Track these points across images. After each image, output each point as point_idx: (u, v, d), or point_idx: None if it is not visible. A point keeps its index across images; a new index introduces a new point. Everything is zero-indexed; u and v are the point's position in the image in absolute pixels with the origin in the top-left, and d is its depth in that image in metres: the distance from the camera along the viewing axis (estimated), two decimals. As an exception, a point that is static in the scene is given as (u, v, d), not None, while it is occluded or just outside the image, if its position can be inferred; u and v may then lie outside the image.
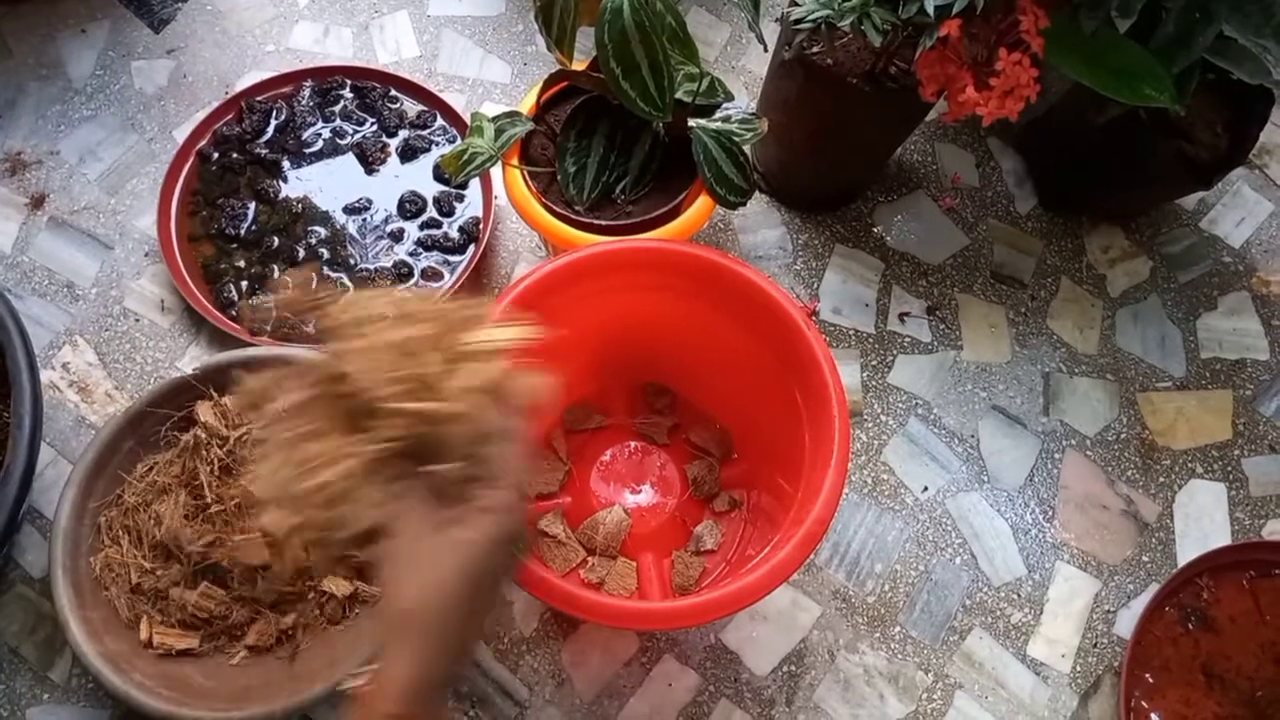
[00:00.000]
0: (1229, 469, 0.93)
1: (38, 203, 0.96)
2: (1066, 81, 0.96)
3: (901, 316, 0.97)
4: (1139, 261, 1.03)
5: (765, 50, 0.84)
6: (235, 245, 0.94)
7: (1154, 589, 0.86)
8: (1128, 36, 0.69)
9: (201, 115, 0.98)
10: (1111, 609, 0.87)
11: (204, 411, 0.75)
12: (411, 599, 0.43)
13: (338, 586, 0.73)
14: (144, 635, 0.71)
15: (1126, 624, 0.86)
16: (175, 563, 0.73)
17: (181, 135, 0.98)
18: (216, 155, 0.97)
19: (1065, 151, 1.00)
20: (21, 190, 0.97)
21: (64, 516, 0.72)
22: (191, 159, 0.97)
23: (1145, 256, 1.03)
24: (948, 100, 0.70)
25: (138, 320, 0.91)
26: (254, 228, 0.94)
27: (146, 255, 0.94)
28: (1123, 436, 0.94)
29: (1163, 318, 1.00)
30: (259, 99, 1.00)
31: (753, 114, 0.81)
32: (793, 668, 0.81)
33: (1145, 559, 0.89)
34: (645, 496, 0.82)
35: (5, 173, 0.97)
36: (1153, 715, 0.82)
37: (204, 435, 0.75)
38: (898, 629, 0.84)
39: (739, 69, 1.10)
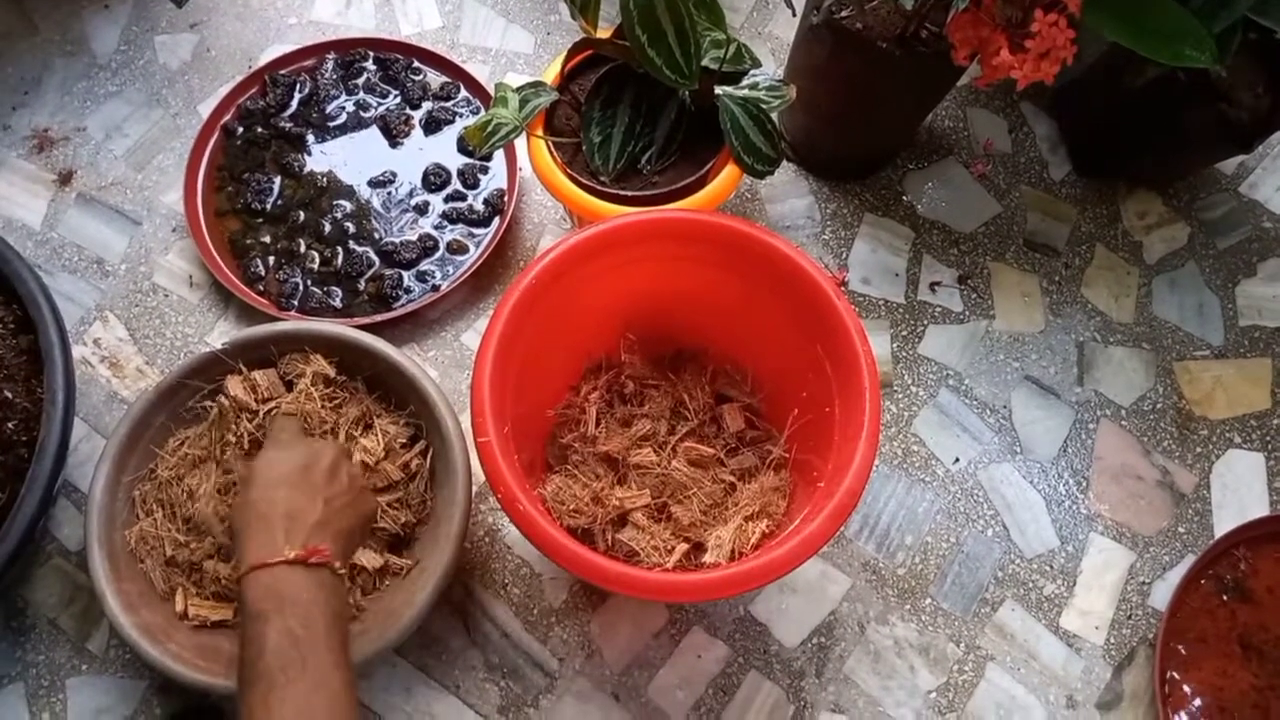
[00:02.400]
0: (1268, 438, 0.91)
1: (66, 179, 0.97)
2: (1102, 43, 0.93)
3: (932, 286, 0.95)
4: (1176, 227, 1.00)
5: (793, 15, 0.83)
6: (261, 220, 0.94)
7: (1190, 560, 0.85)
8: (1167, -5, 0.68)
9: (225, 89, 0.98)
10: (1146, 581, 0.85)
11: (233, 386, 0.76)
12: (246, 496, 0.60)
13: (369, 559, 0.74)
14: (179, 607, 0.72)
15: (1162, 596, 0.85)
16: (208, 535, 0.74)
17: (206, 110, 0.98)
18: (241, 129, 0.97)
19: (1101, 115, 0.98)
20: (49, 167, 0.97)
21: (98, 491, 0.73)
22: (216, 134, 0.96)
23: (1183, 222, 1.01)
24: (981, 64, 0.68)
25: (166, 295, 0.92)
26: (279, 202, 0.94)
27: (174, 231, 0.95)
28: (1159, 406, 0.92)
29: (1200, 285, 0.98)
30: (282, 72, 0.99)
31: (780, 81, 0.80)
32: (822, 639, 0.81)
33: (1181, 530, 0.88)
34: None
35: (33, 149, 0.98)
36: (1187, 687, 0.81)
37: (232, 409, 0.75)
38: (928, 601, 0.83)
39: (766, 34, 1.08)
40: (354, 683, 0.53)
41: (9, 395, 0.76)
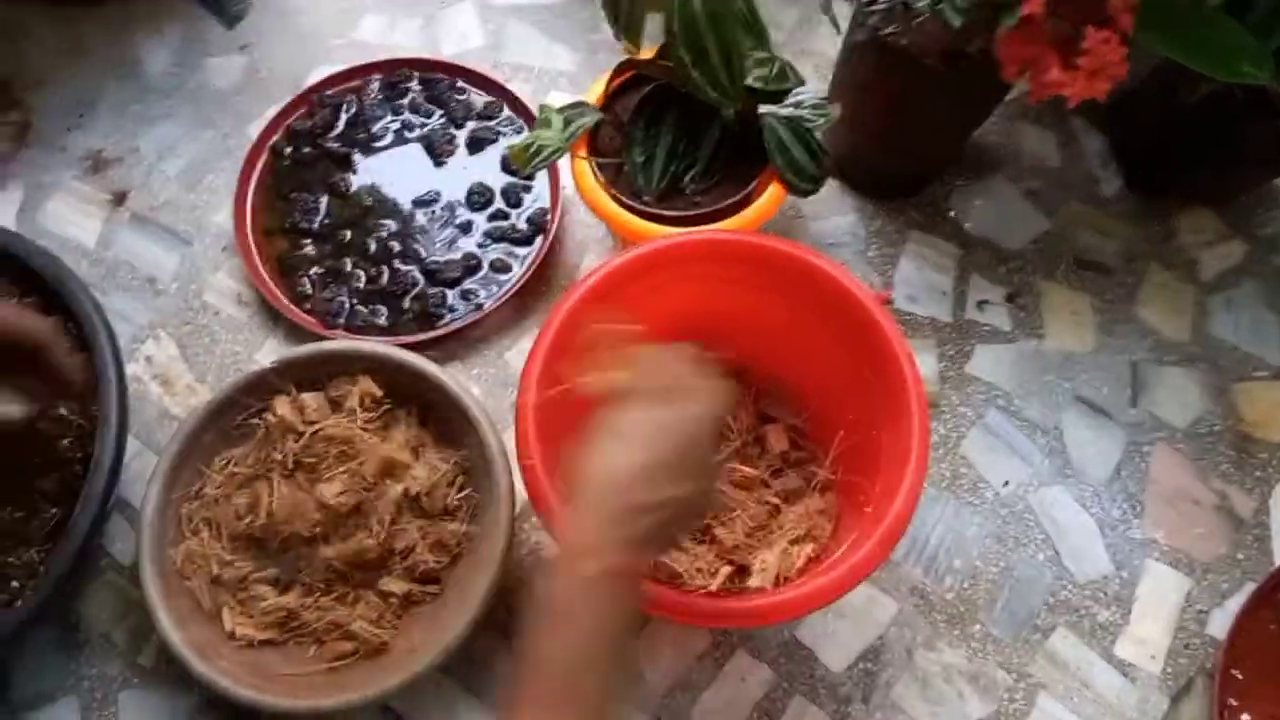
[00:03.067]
0: (1331, 462, 0.88)
1: (119, 199, 0.99)
2: (1154, 56, 0.92)
3: (980, 304, 0.94)
4: (1233, 245, 0.98)
5: (838, 32, 0.82)
6: (308, 239, 0.95)
7: (1250, 588, 0.83)
8: (1223, 10, 0.66)
9: (274, 110, 0.99)
10: (1204, 608, 0.83)
11: (281, 406, 0.77)
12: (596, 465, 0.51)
13: (397, 586, 0.74)
14: (227, 626, 0.73)
15: (1220, 624, 0.82)
16: (253, 557, 0.75)
17: (255, 131, 1.00)
18: (289, 150, 0.98)
19: (1154, 131, 0.96)
20: (104, 187, 0.99)
21: (150, 509, 0.74)
22: (265, 154, 0.98)
23: (1240, 239, 0.98)
24: (1030, 81, 0.67)
25: (217, 314, 0.93)
26: (327, 221, 0.96)
27: (224, 250, 0.96)
28: (1216, 429, 0.90)
29: (1259, 303, 0.95)
30: (329, 93, 1.01)
31: (824, 99, 0.79)
32: (869, 665, 0.80)
33: (1240, 556, 0.85)
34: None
35: (88, 170, 1.00)
36: (1247, 717, 0.78)
37: (278, 430, 0.76)
38: (978, 627, 0.81)
39: (809, 51, 1.07)
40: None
41: (64, 413, 0.77)
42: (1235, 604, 0.82)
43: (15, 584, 0.73)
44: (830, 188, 0.99)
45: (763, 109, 0.78)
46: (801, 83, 0.80)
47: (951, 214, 0.98)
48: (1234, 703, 0.79)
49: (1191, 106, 0.87)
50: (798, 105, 0.78)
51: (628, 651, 0.52)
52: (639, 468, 0.50)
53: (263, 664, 0.72)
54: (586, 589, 0.48)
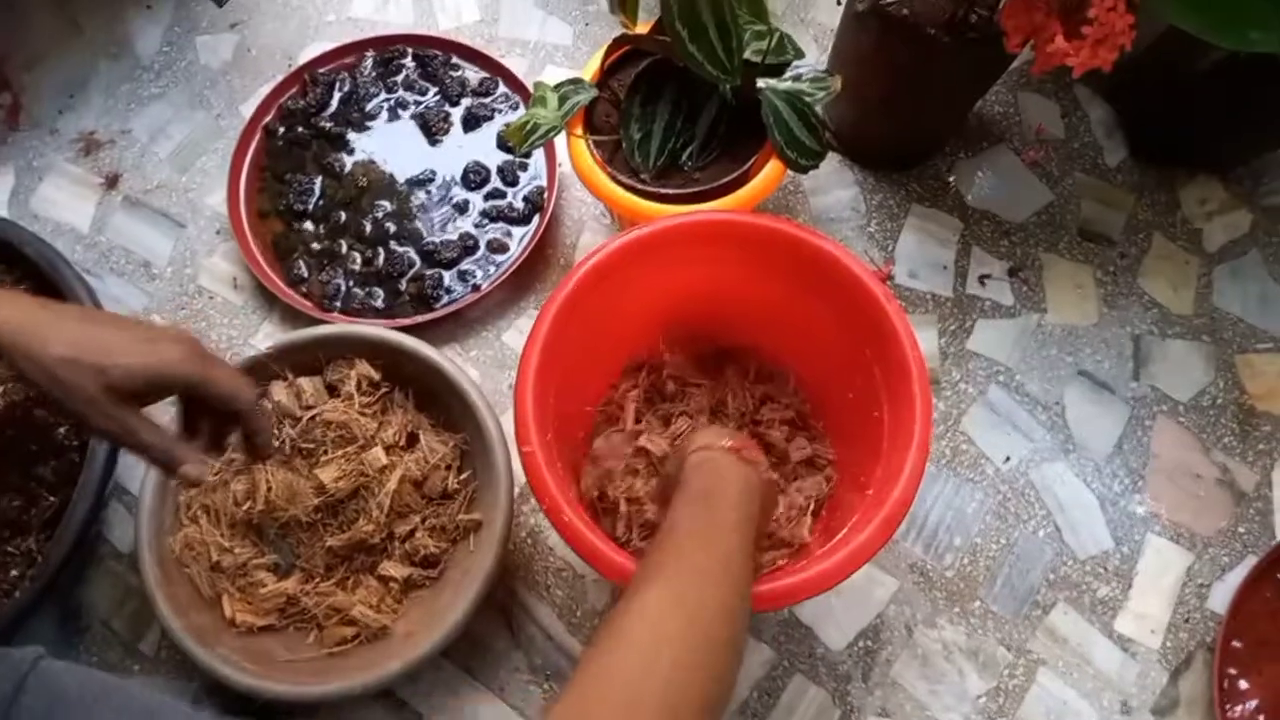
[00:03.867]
0: (1335, 435, 0.88)
1: (112, 182, 0.98)
2: (1159, 25, 0.90)
3: (982, 279, 0.93)
4: (1239, 215, 0.97)
5: (838, 2, 0.80)
6: (304, 221, 0.94)
7: (1251, 561, 0.82)
8: (1232, -24, 0.64)
9: (266, 89, 0.98)
10: (1205, 583, 0.83)
11: (278, 391, 0.76)
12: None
13: (396, 570, 0.74)
14: (227, 613, 0.73)
15: (1221, 598, 0.82)
16: (252, 543, 0.75)
17: (248, 110, 0.98)
18: (282, 130, 0.97)
19: (1160, 99, 0.94)
20: (96, 170, 0.98)
21: (148, 496, 0.74)
22: (258, 134, 0.97)
23: (1245, 209, 0.97)
24: (1034, 50, 0.66)
25: (212, 298, 0.93)
26: (321, 203, 0.95)
27: (218, 233, 0.95)
28: (1219, 402, 0.89)
29: (1264, 274, 0.94)
30: (322, 71, 0.99)
31: (824, 71, 0.78)
32: (869, 643, 0.80)
33: (1242, 530, 0.85)
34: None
35: (80, 153, 0.99)
36: (1245, 685, 0.78)
37: (275, 415, 0.76)
38: (978, 604, 0.81)
39: (808, 21, 1.05)
40: (747, 572, 0.51)
41: (60, 400, 0.77)
42: (1236, 578, 0.82)
43: (14, 572, 0.74)
44: (831, 161, 0.98)
45: (761, 83, 0.76)
46: (801, 55, 0.78)
47: (954, 187, 0.97)
48: (1233, 672, 0.79)
49: (1198, 75, 0.86)
50: (797, 78, 0.77)
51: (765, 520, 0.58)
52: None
53: (263, 650, 0.72)
54: (727, 460, 0.55)
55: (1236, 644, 0.80)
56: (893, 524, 0.58)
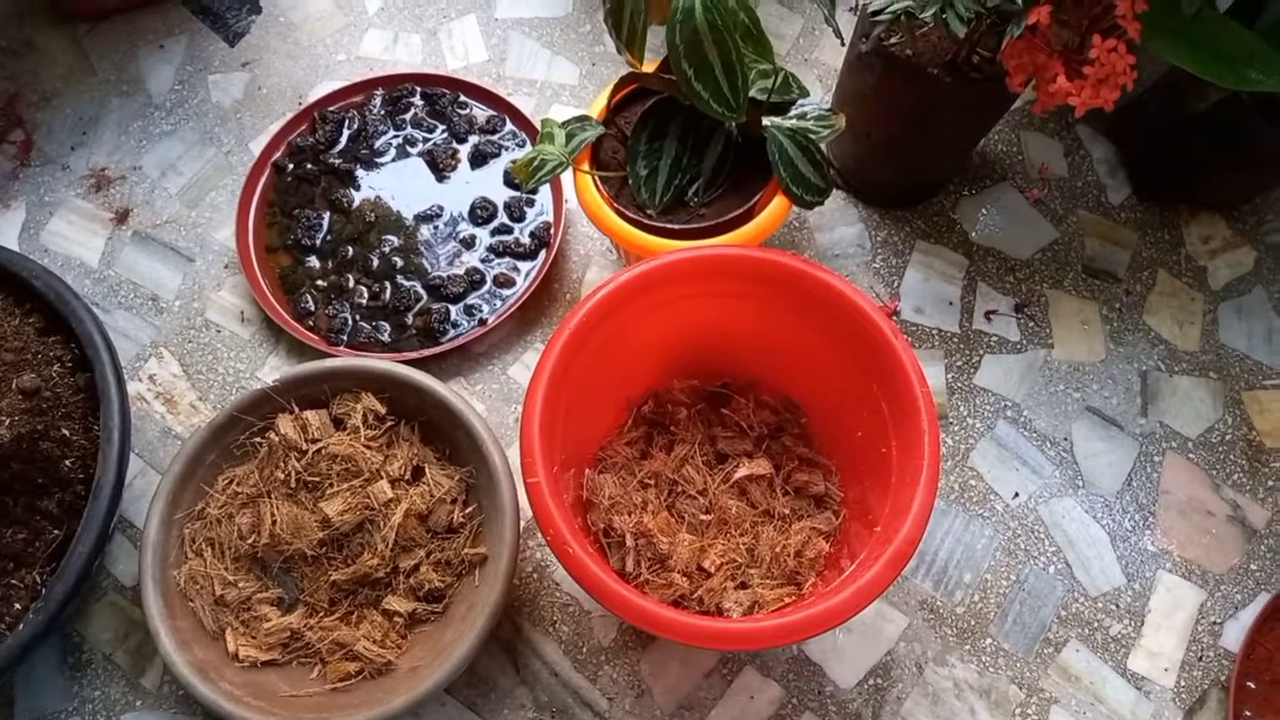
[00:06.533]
0: (1345, 471, 0.87)
1: (122, 218, 0.98)
2: (1160, 64, 0.91)
3: (988, 314, 0.93)
4: (1242, 252, 0.97)
5: (841, 43, 0.81)
6: (311, 255, 0.95)
7: (1264, 599, 0.82)
8: (1230, 17, 0.65)
9: (276, 127, 0.99)
10: (1218, 620, 0.82)
11: (284, 425, 0.76)
12: None
13: (401, 604, 0.74)
14: (230, 648, 0.72)
15: (1235, 636, 0.81)
16: (256, 577, 0.75)
17: (257, 147, 1.00)
18: (291, 166, 0.98)
19: (1162, 138, 0.95)
20: (107, 205, 0.99)
21: (152, 529, 0.73)
22: (267, 171, 0.98)
23: (1249, 247, 0.97)
24: (1037, 90, 0.66)
25: (219, 331, 0.93)
26: (329, 237, 0.95)
27: (226, 267, 0.96)
28: (1228, 438, 0.89)
29: (1269, 311, 0.94)
30: (331, 109, 1.01)
31: (829, 110, 0.78)
32: (879, 680, 0.79)
33: (1254, 567, 0.84)
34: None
35: (91, 189, 1.00)
36: (1263, 731, 0.77)
37: (281, 448, 0.76)
38: (989, 641, 0.80)
39: (812, 61, 1.07)
40: None
41: (66, 433, 0.77)
42: (1249, 615, 0.81)
43: (18, 605, 0.73)
44: (836, 198, 0.98)
45: (767, 120, 0.77)
46: (806, 93, 0.79)
47: (958, 224, 0.97)
48: (1249, 714, 0.77)
49: (1200, 114, 0.87)
50: (802, 117, 0.78)
51: None
52: None
53: (266, 685, 0.71)
54: None
55: (1251, 684, 0.78)
56: (901, 560, 0.58)
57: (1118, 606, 0.82)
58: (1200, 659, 0.81)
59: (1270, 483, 0.87)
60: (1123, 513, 0.85)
